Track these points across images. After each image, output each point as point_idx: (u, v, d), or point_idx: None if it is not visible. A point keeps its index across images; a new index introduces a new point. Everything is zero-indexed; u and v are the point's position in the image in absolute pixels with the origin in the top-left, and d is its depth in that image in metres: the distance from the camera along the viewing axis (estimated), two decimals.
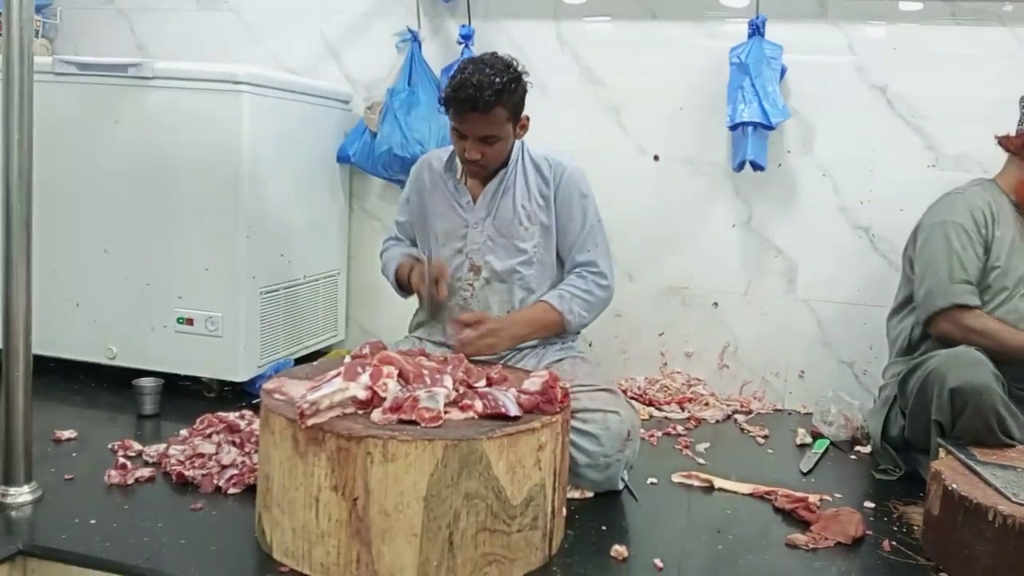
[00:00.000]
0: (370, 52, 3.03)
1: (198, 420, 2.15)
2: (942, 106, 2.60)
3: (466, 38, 2.84)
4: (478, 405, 1.58)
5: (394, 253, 2.33)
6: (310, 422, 1.48)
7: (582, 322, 2.15)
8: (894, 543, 1.79)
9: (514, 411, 1.56)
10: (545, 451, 1.57)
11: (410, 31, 2.89)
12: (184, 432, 2.13)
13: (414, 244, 2.34)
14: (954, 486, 1.67)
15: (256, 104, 2.45)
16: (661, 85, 2.80)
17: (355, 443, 1.45)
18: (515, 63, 2.05)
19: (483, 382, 1.70)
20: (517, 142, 2.17)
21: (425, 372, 1.63)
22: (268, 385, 1.69)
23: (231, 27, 3.14)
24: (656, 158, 2.83)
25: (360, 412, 1.55)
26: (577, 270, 2.15)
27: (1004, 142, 2.20)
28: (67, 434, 2.16)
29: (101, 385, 2.63)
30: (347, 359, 1.70)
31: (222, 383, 2.60)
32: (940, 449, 1.91)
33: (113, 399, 2.51)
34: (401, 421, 1.51)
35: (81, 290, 2.58)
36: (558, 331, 2.15)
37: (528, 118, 2.13)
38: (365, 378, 1.57)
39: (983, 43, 2.56)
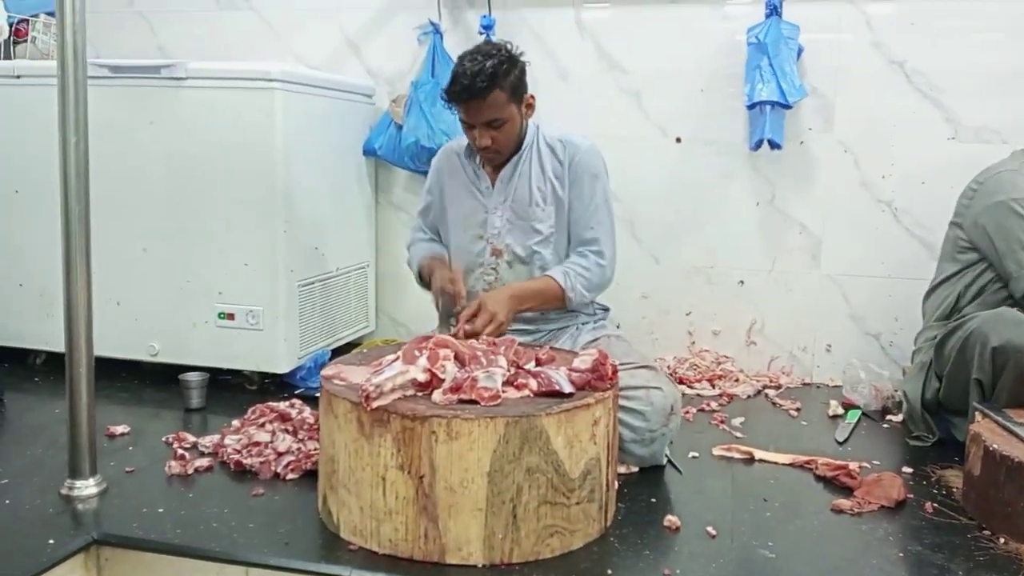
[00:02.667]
0: (391, 46, 3.07)
1: (250, 410, 2.20)
2: (959, 79, 2.64)
3: (487, 28, 2.88)
4: (532, 384, 1.63)
5: (420, 249, 2.36)
6: (375, 404, 1.53)
7: (582, 299, 2.16)
8: (935, 505, 1.84)
9: (568, 388, 1.61)
10: (599, 426, 1.62)
11: (431, 23, 2.93)
12: (236, 423, 2.18)
13: (437, 235, 2.39)
14: (995, 446, 1.73)
15: (288, 101, 2.50)
16: (680, 67, 2.84)
17: (420, 423, 1.50)
18: (509, 45, 2.10)
19: (532, 363, 1.75)
20: (531, 125, 2.21)
21: (480, 354, 1.68)
22: (327, 372, 1.75)
23: (251, 26, 3.18)
24: (678, 140, 2.88)
25: (420, 394, 1.60)
26: (580, 248, 2.19)
27: None
28: (120, 429, 2.21)
29: (144, 382, 2.68)
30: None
31: (263, 375, 2.66)
32: (976, 412, 1.96)
33: (157, 395, 2.56)
34: (461, 401, 1.57)
35: (122, 289, 2.63)
36: (558, 305, 2.17)
37: (533, 97, 2.17)
38: (424, 361, 1.62)
39: (997, 15, 2.60)
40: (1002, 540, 1.68)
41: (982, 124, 2.64)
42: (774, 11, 2.64)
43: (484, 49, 2.07)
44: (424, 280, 2.31)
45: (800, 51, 2.68)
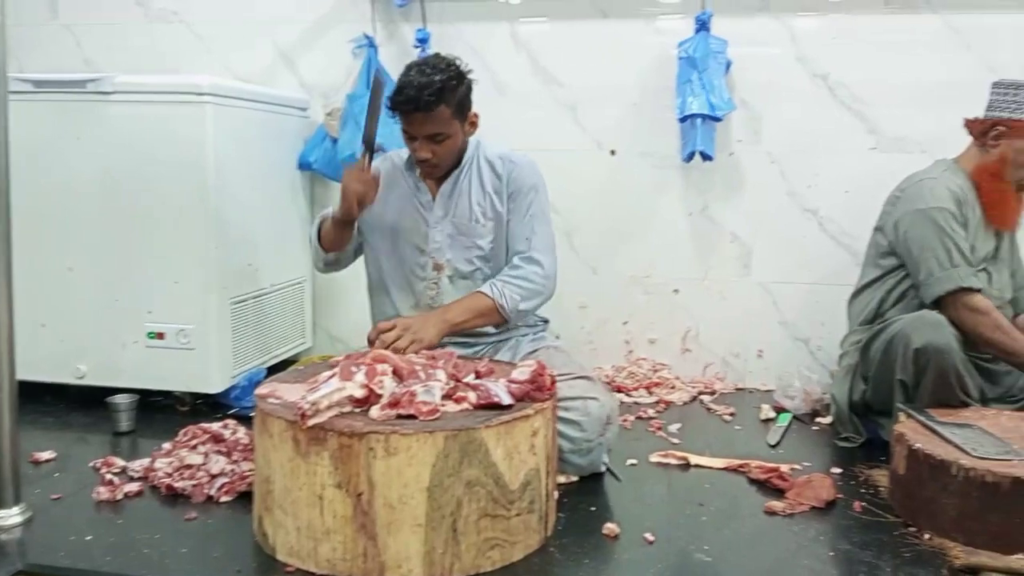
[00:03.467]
0: (325, 59, 3.05)
1: (181, 432, 2.15)
2: (880, 91, 2.76)
3: (422, 42, 2.88)
4: (472, 396, 1.64)
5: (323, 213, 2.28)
6: (311, 422, 1.51)
7: (517, 308, 2.13)
8: (864, 504, 1.91)
9: (507, 400, 1.62)
10: (538, 436, 1.63)
11: (366, 36, 2.92)
12: (167, 445, 2.13)
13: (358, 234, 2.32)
14: (918, 445, 1.79)
15: (219, 115, 2.46)
16: (614, 81, 2.89)
17: (357, 440, 1.49)
18: (457, 61, 2.11)
19: (472, 376, 1.76)
20: (472, 140, 2.22)
21: (418, 368, 1.67)
22: (261, 390, 1.72)
23: (182, 39, 3.13)
24: (613, 152, 2.93)
25: (358, 410, 1.59)
26: (514, 260, 2.19)
27: (968, 125, 2.28)
28: (45, 455, 2.14)
29: (71, 405, 2.59)
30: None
31: (195, 396, 2.59)
32: (900, 412, 2.04)
33: (84, 419, 2.48)
34: (399, 416, 1.56)
35: (46, 310, 2.55)
36: (496, 319, 2.14)
37: (477, 115, 2.18)
38: (361, 376, 1.61)
39: (915, 30, 2.72)
40: (927, 536, 1.74)
41: (903, 135, 2.76)
42: (703, 26, 2.71)
43: (434, 62, 2.07)
44: (322, 241, 2.22)
45: (729, 65, 2.76)
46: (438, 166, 2.16)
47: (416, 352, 1.92)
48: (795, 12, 2.78)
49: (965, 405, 2.08)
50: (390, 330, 1.97)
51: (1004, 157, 2.19)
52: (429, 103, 2.01)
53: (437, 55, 2.13)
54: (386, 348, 1.89)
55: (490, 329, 2.22)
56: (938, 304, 2.17)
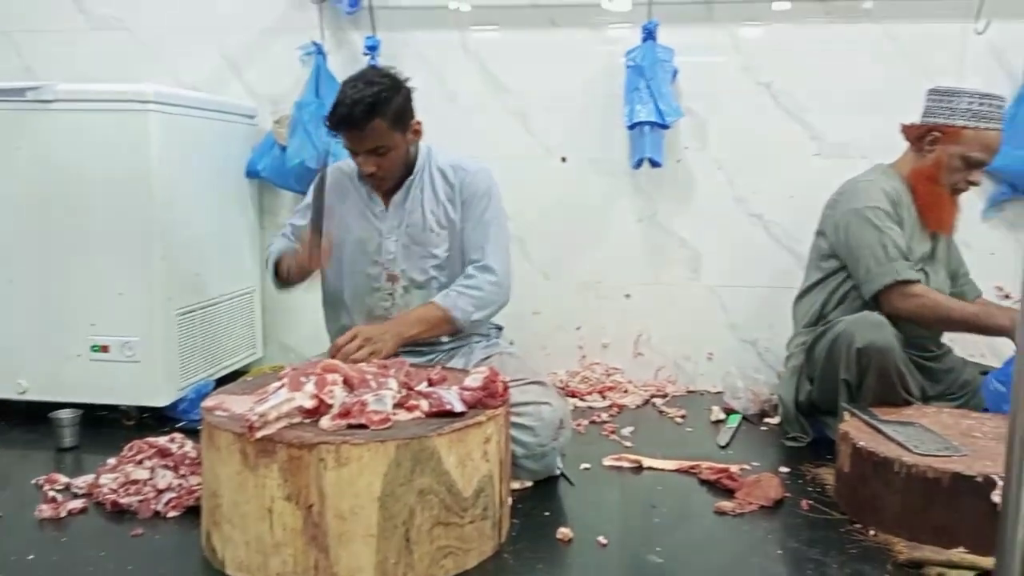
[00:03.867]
0: (273, 67, 3.02)
1: (127, 447, 2.10)
2: (822, 99, 2.82)
3: (372, 49, 2.87)
4: (424, 405, 1.63)
5: (278, 246, 2.28)
6: (260, 434, 1.49)
7: (470, 318, 2.13)
8: (811, 502, 1.95)
9: (459, 407, 1.62)
10: (491, 443, 1.64)
11: (314, 44, 2.90)
12: (112, 461, 2.08)
13: None
14: (862, 443, 1.84)
15: (164, 123, 2.42)
16: (564, 89, 2.91)
17: (307, 451, 1.48)
18: (393, 71, 2.10)
19: (424, 384, 1.75)
20: (423, 148, 2.22)
21: (369, 377, 1.66)
22: (208, 403, 1.69)
23: (126, 46, 3.06)
24: (564, 160, 2.95)
25: (307, 421, 1.58)
26: (468, 268, 2.19)
27: (905, 131, 2.35)
28: None
29: (12, 421, 2.52)
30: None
31: (141, 410, 2.54)
32: (845, 412, 2.09)
33: (26, 435, 2.42)
34: (350, 426, 1.55)
35: None
36: (449, 329, 2.15)
37: (420, 122, 2.16)
38: (311, 387, 1.59)
39: (856, 39, 2.79)
40: (872, 532, 1.79)
41: (844, 141, 2.83)
42: (649, 35, 2.75)
43: (367, 76, 2.06)
44: (280, 276, 2.22)
45: (675, 73, 2.80)
46: (385, 179, 2.15)
47: (380, 356, 1.93)
48: (739, 22, 2.84)
49: (907, 403, 2.14)
50: (350, 341, 1.96)
51: (939, 161, 2.26)
52: (363, 119, 2.00)
53: (372, 67, 2.13)
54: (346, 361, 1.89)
55: (444, 337, 2.21)
56: (879, 300, 2.22)
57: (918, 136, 2.31)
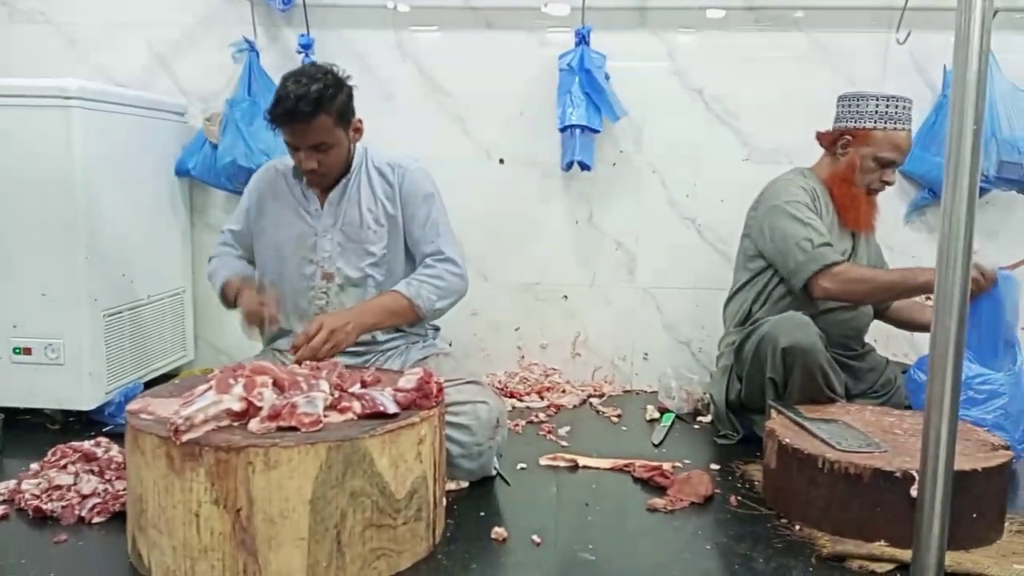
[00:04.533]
0: (204, 63, 2.96)
1: (50, 452, 2.03)
2: (752, 105, 2.90)
3: (305, 47, 2.84)
4: (356, 406, 1.62)
5: (225, 262, 2.27)
6: (185, 438, 1.46)
7: (433, 307, 2.13)
8: (739, 498, 2.00)
9: (392, 408, 1.61)
10: (425, 444, 1.63)
11: (246, 41, 2.85)
12: (35, 466, 2.01)
13: (249, 252, 2.31)
14: (787, 440, 1.89)
15: (88, 119, 2.35)
16: (501, 91, 2.92)
17: (235, 454, 1.45)
18: (335, 69, 2.08)
19: (357, 385, 1.74)
20: (359, 147, 2.21)
21: (300, 379, 1.64)
22: (133, 406, 1.65)
23: (49, 41, 2.96)
24: (501, 161, 2.96)
25: (236, 424, 1.55)
26: (427, 260, 2.18)
27: (819, 137, 2.44)
28: None
29: None
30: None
31: (67, 413, 2.47)
32: (772, 409, 2.14)
33: None
34: (280, 428, 1.53)
35: None
36: (411, 317, 2.14)
37: (361, 121, 2.16)
38: (239, 389, 1.57)
39: (784, 47, 2.87)
40: (797, 527, 1.84)
41: (773, 146, 2.91)
42: (582, 40, 2.78)
43: (310, 72, 2.04)
44: (228, 299, 2.21)
45: (607, 78, 2.83)
46: (325, 175, 2.13)
47: (344, 347, 1.97)
48: (672, 28, 2.89)
49: (831, 401, 2.21)
50: (316, 333, 1.94)
51: (852, 163, 2.35)
52: (308, 113, 1.98)
53: (313, 64, 2.12)
54: (312, 356, 1.89)
55: (380, 336, 2.20)
56: (809, 288, 2.27)
57: (831, 141, 2.40)
